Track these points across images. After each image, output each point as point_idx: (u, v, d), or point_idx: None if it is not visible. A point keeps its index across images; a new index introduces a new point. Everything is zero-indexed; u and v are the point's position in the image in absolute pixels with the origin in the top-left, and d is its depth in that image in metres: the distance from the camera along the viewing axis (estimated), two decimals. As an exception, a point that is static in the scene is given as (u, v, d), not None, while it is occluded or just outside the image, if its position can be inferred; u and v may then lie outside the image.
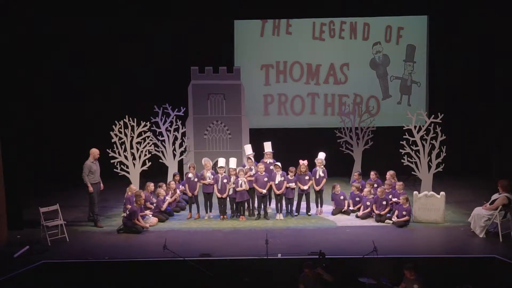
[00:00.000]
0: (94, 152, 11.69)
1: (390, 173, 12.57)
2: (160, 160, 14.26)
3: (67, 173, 14.39)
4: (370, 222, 11.75)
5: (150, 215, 11.73)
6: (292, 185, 11.94)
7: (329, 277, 8.08)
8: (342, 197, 12.41)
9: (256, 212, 12.19)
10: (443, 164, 12.82)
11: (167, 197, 12.38)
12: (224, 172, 12.13)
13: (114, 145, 12.96)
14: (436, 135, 12.90)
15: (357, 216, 12.04)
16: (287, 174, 12.02)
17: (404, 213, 11.34)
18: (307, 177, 12.15)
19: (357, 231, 11.08)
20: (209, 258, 9.46)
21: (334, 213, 12.35)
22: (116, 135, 12.96)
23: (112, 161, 12.94)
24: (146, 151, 13.18)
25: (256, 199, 12.15)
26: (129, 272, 9.23)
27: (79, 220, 12.08)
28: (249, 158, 12.56)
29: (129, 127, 13.06)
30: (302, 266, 8.26)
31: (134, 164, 13.06)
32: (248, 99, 15.71)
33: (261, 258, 9.16)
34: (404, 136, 13.10)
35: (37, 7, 14.32)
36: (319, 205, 12.45)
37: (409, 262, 8.25)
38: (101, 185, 11.83)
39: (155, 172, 13.79)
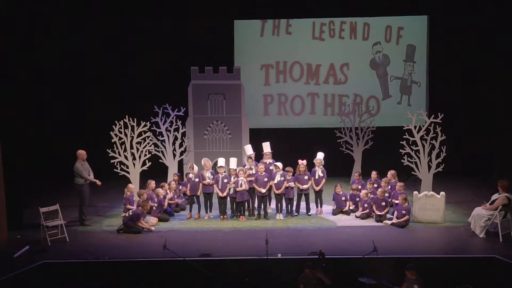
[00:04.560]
0: (82, 153, 11.75)
1: (391, 173, 12.61)
2: (160, 160, 14.26)
3: (67, 173, 14.36)
4: (370, 222, 11.75)
5: (150, 216, 11.75)
6: (291, 184, 11.94)
7: (328, 280, 8.10)
8: (343, 198, 12.41)
9: (256, 212, 12.20)
10: (443, 164, 12.82)
11: (168, 195, 12.43)
12: (224, 172, 12.14)
13: (114, 145, 12.95)
14: (436, 135, 12.90)
15: (356, 216, 12.04)
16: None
17: (403, 212, 11.34)
18: (306, 177, 12.14)
19: (357, 231, 11.08)
20: (209, 258, 9.46)
21: (334, 213, 12.36)
22: (116, 135, 12.95)
23: (112, 161, 12.93)
24: (146, 151, 13.17)
25: (256, 199, 12.16)
26: (129, 272, 9.23)
27: (79, 220, 12.08)
28: (249, 157, 12.56)
29: (129, 127, 13.05)
30: (302, 266, 8.28)
31: (134, 164, 13.06)
32: (248, 99, 15.70)
33: (261, 258, 9.16)
34: (404, 136, 13.09)
35: (37, 7, 14.32)
36: (319, 205, 12.45)
37: (410, 262, 8.27)
38: (98, 181, 11.83)
39: (155, 172, 13.77)
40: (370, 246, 8.72)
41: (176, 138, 14.27)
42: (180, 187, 13.04)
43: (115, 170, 12.93)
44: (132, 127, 13.09)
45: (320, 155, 12.47)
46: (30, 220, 11.65)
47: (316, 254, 8.83)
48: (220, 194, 11.96)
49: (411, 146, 12.91)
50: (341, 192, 12.44)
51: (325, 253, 8.68)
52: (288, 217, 12.14)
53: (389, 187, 12.34)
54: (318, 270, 8.18)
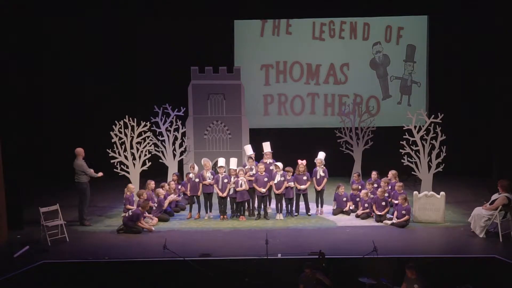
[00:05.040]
0: (82, 151, 11.81)
1: (392, 173, 12.59)
2: (160, 160, 14.26)
3: (67, 173, 14.37)
4: (370, 222, 11.75)
5: (151, 216, 11.75)
6: (291, 184, 11.94)
7: (328, 281, 8.11)
8: (345, 199, 12.38)
9: (256, 212, 12.19)
10: (443, 164, 12.82)
11: (168, 196, 12.42)
12: (224, 172, 12.14)
13: (114, 145, 12.95)
14: (436, 135, 12.90)
15: (356, 216, 12.04)
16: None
17: (403, 212, 11.34)
18: (304, 178, 12.14)
19: (357, 231, 11.08)
20: (209, 258, 9.46)
21: (335, 213, 12.35)
22: (116, 135, 12.95)
23: (112, 161, 12.93)
24: (146, 151, 13.17)
25: (256, 199, 12.16)
26: (129, 272, 9.23)
27: (79, 220, 12.08)
28: (250, 158, 12.56)
29: (129, 127, 13.05)
30: (302, 266, 8.28)
31: (134, 164, 13.05)
32: (248, 99, 15.71)
33: (261, 258, 9.16)
34: (404, 136, 13.10)
35: (38, 6, 14.34)
36: (319, 205, 12.45)
37: (411, 261, 8.27)
38: (99, 174, 11.89)
39: (155, 172, 13.78)
40: (370, 246, 8.72)
41: (176, 138, 14.27)
42: (179, 186, 13.05)
43: (115, 170, 12.93)
44: (132, 127, 13.09)
45: (321, 155, 12.47)
46: (30, 220, 11.64)
47: (316, 254, 8.83)
48: (220, 194, 11.95)
49: (411, 146, 12.91)
50: (343, 193, 12.42)
51: (325, 253, 8.67)
52: (288, 217, 12.14)
53: (389, 187, 12.34)
54: (318, 271, 8.18)
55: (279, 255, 9.50)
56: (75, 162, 11.73)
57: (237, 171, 11.98)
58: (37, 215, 10.80)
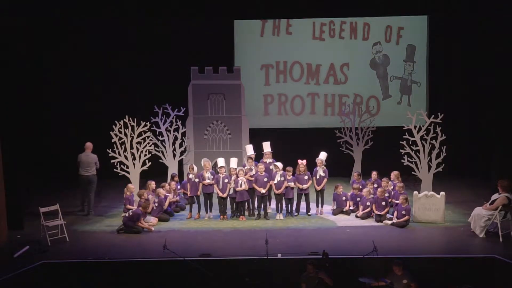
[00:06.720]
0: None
1: (394, 173, 12.56)
2: (160, 160, 14.26)
3: (67, 173, 14.37)
4: (370, 222, 11.75)
5: (151, 215, 11.76)
6: (291, 184, 11.94)
7: (329, 281, 8.12)
8: (344, 198, 12.39)
9: (256, 212, 12.20)
10: (443, 164, 12.82)
11: (168, 195, 12.42)
12: (225, 172, 12.14)
13: (114, 145, 12.95)
14: (436, 135, 12.90)
15: (357, 216, 12.05)
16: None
17: (403, 212, 11.35)
18: (306, 177, 12.14)
19: (357, 231, 11.08)
20: (209, 258, 9.47)
21: (335, 213, 12.36)
22: (116, 135, 12.95)
23: (112, 161, 12.92)
24: (146, 151, 13.17)
25: (256, 199, 12.16)
26: (129, 272, 9.23)
27: (79, 220, 12.09)
28: (249, 158, 12.56)
29: (129, 127, 13.04)
30: (302, 266, 8.30)
31: (134, 164, 13.05)
32: (248, 99, 15.69)
33: (261, 258, 9.16)
34: (404, 136, 13.10)
35: (38, 6, 14.32)
36: (319, 205, 12.45)
37: (399, 259, 8.32)
38: None
39: (155, 172, 13.78)
40: (370, 246, 8.72)
41: (176, 138, 14.28)
42: (178, 186, 13.05)
43: (115, 170, 12.92)
44: (132, 127, 13.08)
45: (322, 155, 12.48)
46: (30, 220, 11.64)
47: (316, 254, 8.84)
48: (221, 194, 11.95)
49: (411, 146, 12.91)
50: (341, 193, 12.43)
51: (328, 253, 8.68)
52: (288, 217, 12.15)
53: (392, 187, 12.33)
54: (320, 271, 8.19)
55: (279, 255, 9.49)
56: (88, 155, 11.97)
57: (237, 171, 11.99)
58: (37, 215, 10.80)
